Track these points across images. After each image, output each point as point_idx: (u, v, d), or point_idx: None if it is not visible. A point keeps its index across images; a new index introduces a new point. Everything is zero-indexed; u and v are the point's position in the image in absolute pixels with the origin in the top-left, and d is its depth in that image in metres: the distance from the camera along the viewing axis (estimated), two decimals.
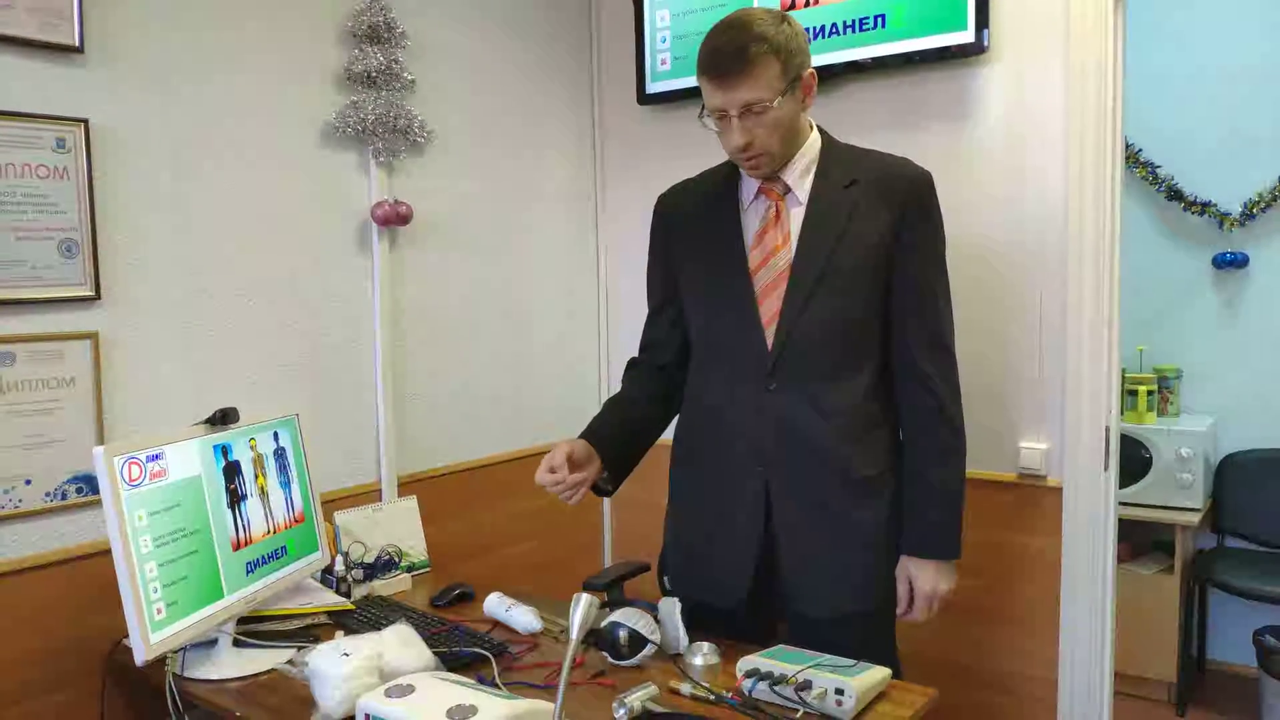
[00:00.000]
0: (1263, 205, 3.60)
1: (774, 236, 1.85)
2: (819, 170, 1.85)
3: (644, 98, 2.95)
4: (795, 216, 1.84)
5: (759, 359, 1.83)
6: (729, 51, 1.71)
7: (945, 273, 1.87)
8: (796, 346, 1.81)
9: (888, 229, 1.80)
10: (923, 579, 1.86)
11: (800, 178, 1.85)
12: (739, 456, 1.87)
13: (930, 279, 1.85)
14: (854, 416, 1.83)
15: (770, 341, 1.82)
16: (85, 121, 1.93)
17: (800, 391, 1.82)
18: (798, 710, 1.53)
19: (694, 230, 1.95)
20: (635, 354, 2.12)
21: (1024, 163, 2.34)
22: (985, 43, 2.32)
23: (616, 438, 1.97)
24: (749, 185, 1.89)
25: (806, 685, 1.54)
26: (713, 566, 1.92)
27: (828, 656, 1.66)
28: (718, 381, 1.92)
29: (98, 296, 1.97)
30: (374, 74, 2.41)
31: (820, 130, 1.90)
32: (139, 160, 2.04)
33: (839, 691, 1.53)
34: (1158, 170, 3.77)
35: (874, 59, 2.47)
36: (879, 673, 1.62)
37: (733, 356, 1.88)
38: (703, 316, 1.95)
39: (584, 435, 1.95)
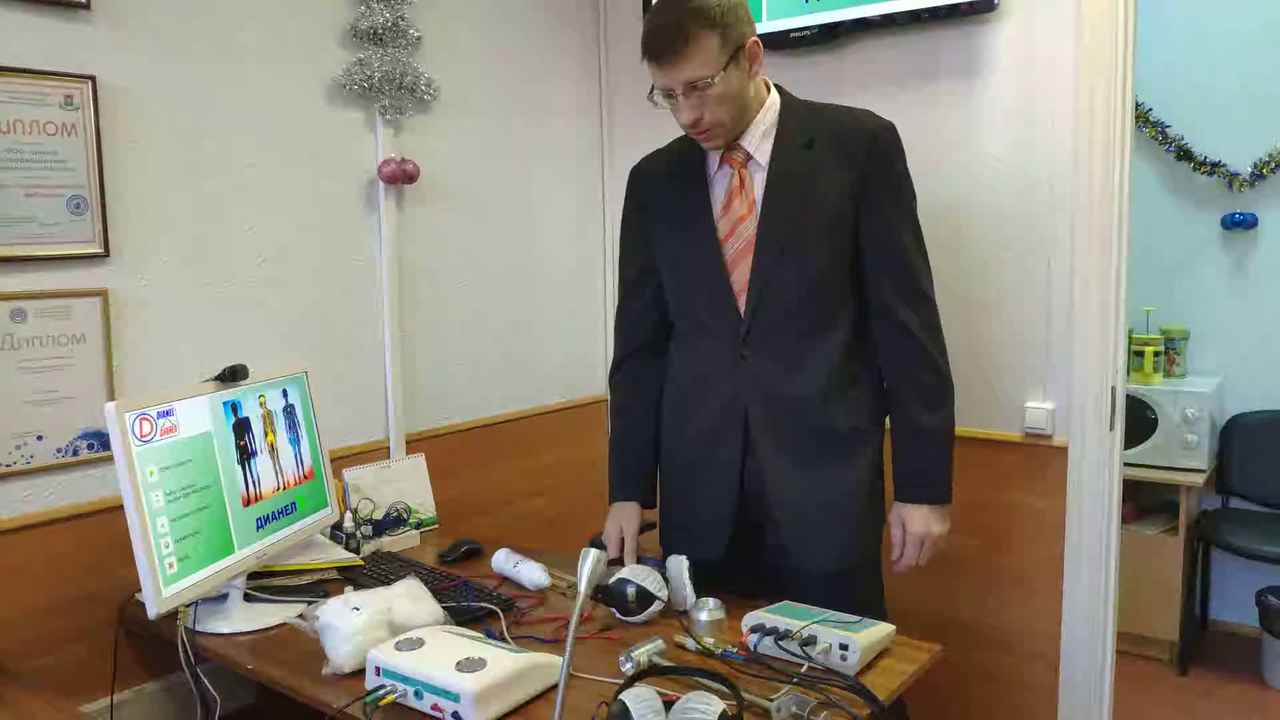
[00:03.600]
0: (1272, 166, 3.57)
1: (739, 205, 1.86)
2: (778, 133, 1.85)
3: None
4: (759, 182, 1.85)
5: (732, 328, 1.86)
6: (665, 32, 1.71)
7: (914, 221, 1.87)
8: (767, 313, 1.84)
9: (849, 186, 1.80)
10: (913, 522, 1.88)
11: (760, 142, 1.85)
12: (716, 422, 1.91)
13: (897, 231, 1.84)
14: (831, 374, 1.85)
15: (742, 310, 1.85)
16: (93, 79, 1.93)
17: (775, 356, 1.85)
18: (802, 665, 1.55)
19: (666, 202, 1.97)
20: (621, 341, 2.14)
21: (1034, 121, 2.32)
22: (996, 0, 2.30)
23: (648, 476, 2.07)
24: (714, 154, 1.90)
25: (811, 640, 1.56)
26: (693, 526, 1.97)
27: (833, 612, 1.68)
28: (694, 351, 1.95)
29: (106, 254, 1.97)
30: (380, 30, 2.39)
31: (778, 89, 1.89)
32: (146, 117, 2.03)
33: (843, 647, 1.55)
34: (1168, 130, 3.74)
35: (883, 15, 2.44)
36: (883, 629, 1.65)
37: (708, 327, 1.91)
38: (677, 288, 1.97)
39: (626, 496, 2.05)
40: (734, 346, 1.86)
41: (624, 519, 2.02)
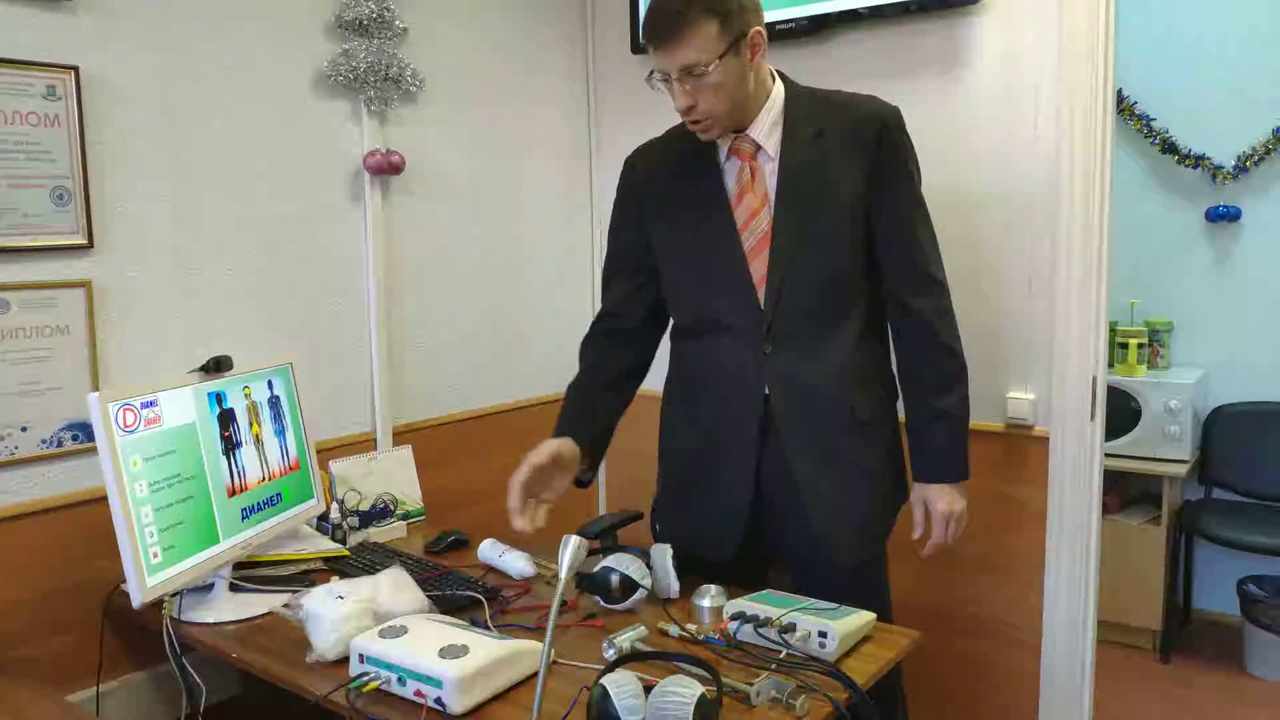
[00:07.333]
0: (1256, 159, 3.59)
1: (751, 199, 1.84)
2: (786, 124, 1.83)
3: (638, 47, 2.93)
4: (770, 174, 1.83)
5: (754, 323, 1.83)
6: (664, 14, 1.69)
7: (923, 204, 1.88)
8: (788, 306, 1.81)
9: (862, 177, 1.80)
10: (939, 501, 1.91)
11: (768, 134, 1.83)
12: (733, 415, 1.88)
13: (909, 217, 1.85)
14: (847, 364, 1.84)
15: (763, 304, 1.82)
16: (75, 69, 1.93)
17: (796, 349, 1.83)
18: (781, 652, 1.56)
19: (672, 193, 1.92)
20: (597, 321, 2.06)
21: (1017, 113, 2.33)
22: None
23: (595, 432, 1.93)
24: (721, 146, 1.87)
25: (790, 628, 1.57)
26: (705, 526, 1.94)
27: (813, 601, 1.69)
28: (705, 345, 1.91)
29: (90, 245, 1.97)
30: (366, 21, 2.40)
31: (783, 78, 1.87)
32: (130, 108, 2.03)
33: (822, 634, 1.56)
34: (1152, 123, 3.75)
35: (870, 8, 2.45)
36: (863, 616, 1.66)
37: (724, 321, 1.87)
38: (690, 281, 1.92)
39: (564, 434, 1.88)
40: (755, 341, 1.83)
41: (565, 443, 1.84)
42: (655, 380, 2.07)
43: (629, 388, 2.04)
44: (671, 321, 2.02)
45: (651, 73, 1.77)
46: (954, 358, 1.89)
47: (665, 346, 2.05)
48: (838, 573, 1.86)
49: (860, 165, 1.80)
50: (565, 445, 1.84)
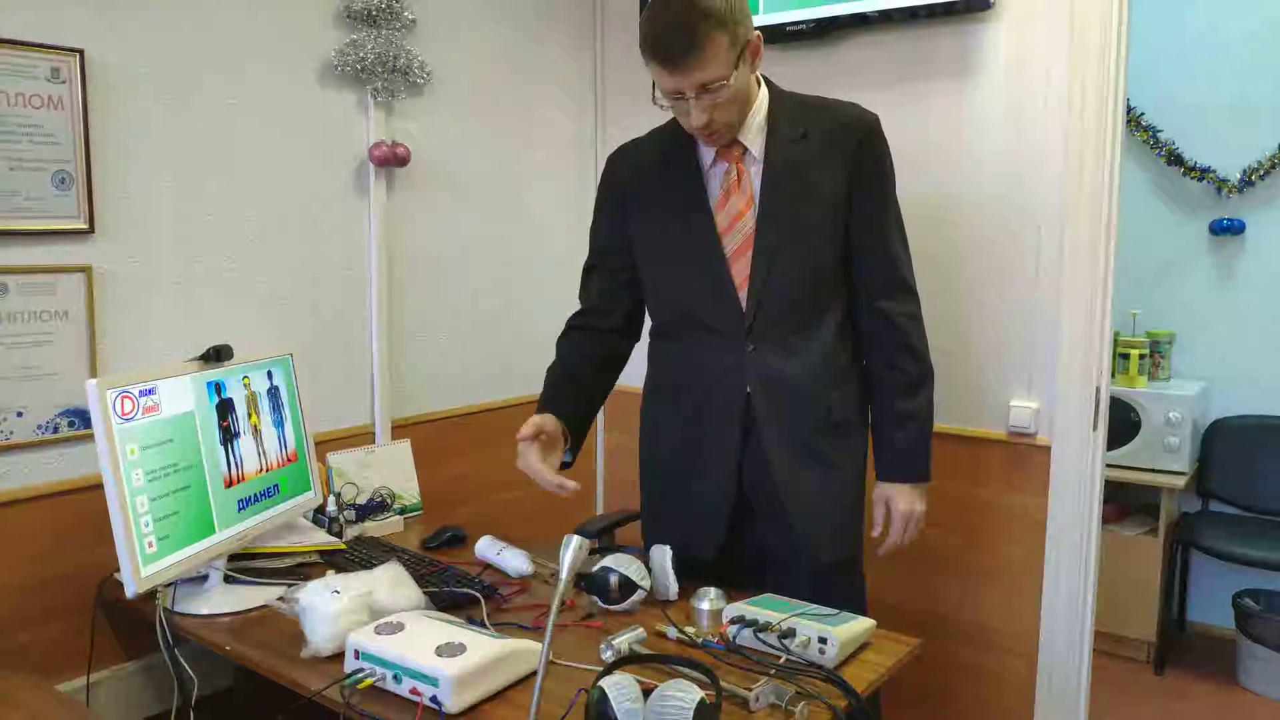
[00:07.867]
0: (1261, 173, 3.58)
1: (737, 200, 1.84)
2: (771, 126, 1.84)
3: None
4: (755, 175, 1.85)
5: (735, 323, 1.84)
6: (675, 32, 1.65)
7: (898, 211, 1.91)
8: (770, 306, 1.83)
9: (843, 179, 1.82)
10: (899, 501, 1.93)
11: (755, 136, 1.84)
12: (716, 411, 1.89)
13: (884, 221, 1.88)
14: (826, 362, 1.86)
15: (744, 304, 1.83)
16: (80, 52, 1.91)
17: (777, 347, 1.84)
18: (780, 657, 1.55)
19: (654, 195, 1.93)
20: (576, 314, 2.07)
21: (1025, 121, 2.32)
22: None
23: (575, 414, 1.94)
24: (706, 148, 1.87)
25: (790, 633, 1.56)
26: (686, 522, 1.95)
27: (813, 606, 1.68)
28: (691, 346, 1.91)
29: (91, 230, 1.96)
30: (374, 12, 2.38)
31: (766, 81, 1.88)
32: (134, 93, 2.01)
33: (822, 640, 1.55)
34: (1159, 135, 3.74)
35: (879, 12, 2.44)
36: (863, 623, 1.65)
37: (707, 321, 1.88)
38: (670, 282, 1.93)
39: (544, 412, 1.90)
40: (737, 340, 1.84)
41: (547, 419, 1.86)
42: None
43: (606, 379, 2.05)
44: (650, 321, 2.02)
45: (654, 91, 1.75)
46: (922, 361, 1.92)
47: (643, 346, 2.05)
48: (818, 572, 1.88)
49: (842, 167, 1.82)
50: (548, 420, 1.86)
